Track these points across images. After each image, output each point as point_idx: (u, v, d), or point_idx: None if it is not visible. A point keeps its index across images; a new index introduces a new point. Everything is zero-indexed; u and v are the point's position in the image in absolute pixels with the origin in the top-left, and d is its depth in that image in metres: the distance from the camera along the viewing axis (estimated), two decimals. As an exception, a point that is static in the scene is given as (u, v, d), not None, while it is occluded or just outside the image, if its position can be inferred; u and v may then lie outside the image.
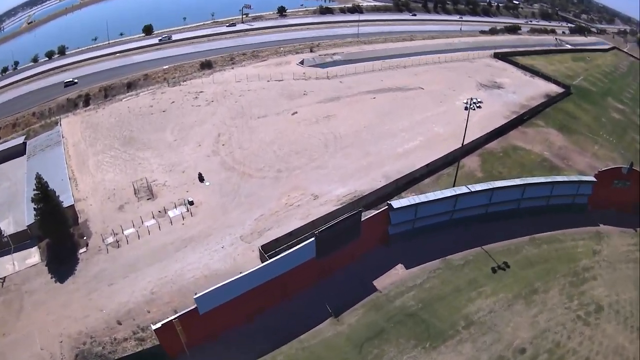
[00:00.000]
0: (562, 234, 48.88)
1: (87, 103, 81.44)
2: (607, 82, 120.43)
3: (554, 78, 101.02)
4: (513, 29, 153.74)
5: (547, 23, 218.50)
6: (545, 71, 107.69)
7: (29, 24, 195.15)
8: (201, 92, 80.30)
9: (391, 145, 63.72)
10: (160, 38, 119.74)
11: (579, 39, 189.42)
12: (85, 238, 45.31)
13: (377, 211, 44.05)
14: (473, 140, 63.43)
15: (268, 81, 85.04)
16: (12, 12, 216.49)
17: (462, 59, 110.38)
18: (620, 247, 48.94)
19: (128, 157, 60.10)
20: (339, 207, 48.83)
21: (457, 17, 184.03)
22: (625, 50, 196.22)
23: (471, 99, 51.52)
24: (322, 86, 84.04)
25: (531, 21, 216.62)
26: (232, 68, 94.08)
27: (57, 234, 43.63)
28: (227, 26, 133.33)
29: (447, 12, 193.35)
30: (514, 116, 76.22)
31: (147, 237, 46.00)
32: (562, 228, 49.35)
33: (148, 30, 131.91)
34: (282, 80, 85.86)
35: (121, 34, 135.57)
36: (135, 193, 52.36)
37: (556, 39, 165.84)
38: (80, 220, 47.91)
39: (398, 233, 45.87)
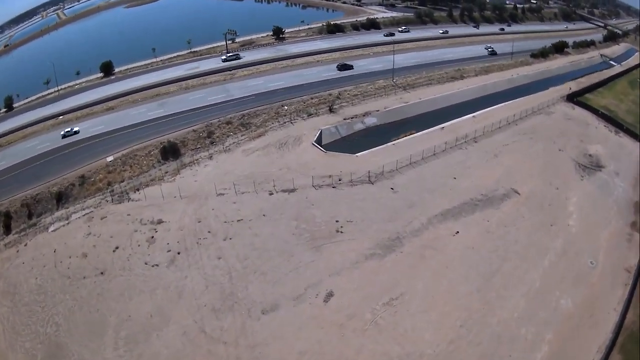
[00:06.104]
0: None
1: (8, 228, 52.78)
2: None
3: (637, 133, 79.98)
4: (560, 48, 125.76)
5: (570, 25, 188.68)
6: (621, 115, 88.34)
7: (5, 47, 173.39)
8: (160, 221, 46.39)
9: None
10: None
11: (615, 49, 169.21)
12: None
13: None
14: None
15: (271, 194, 50.03)
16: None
17: (535, 108, 76.34)
18: None
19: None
20: None
21: (496, 29, 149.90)
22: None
23: None
24: (364, 204, 48.22)
25: (555, 24, 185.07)
26: (210, 157, 58.83)
27: None
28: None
29: (474, 21, 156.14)
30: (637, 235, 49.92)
31: None
32: None
33: (107, 69, 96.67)
34: (294, 190, 50.42)
35: (77, 73, 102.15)
36: None
37: (601, 55, 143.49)
38: None
39: None
